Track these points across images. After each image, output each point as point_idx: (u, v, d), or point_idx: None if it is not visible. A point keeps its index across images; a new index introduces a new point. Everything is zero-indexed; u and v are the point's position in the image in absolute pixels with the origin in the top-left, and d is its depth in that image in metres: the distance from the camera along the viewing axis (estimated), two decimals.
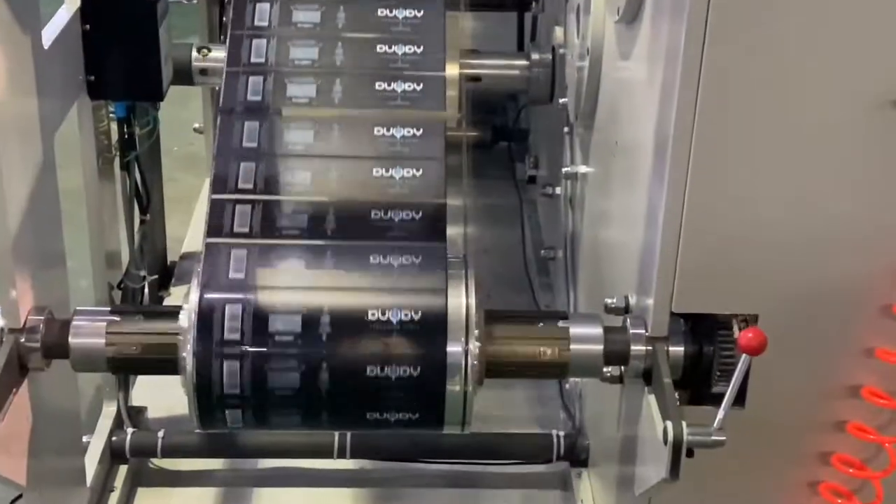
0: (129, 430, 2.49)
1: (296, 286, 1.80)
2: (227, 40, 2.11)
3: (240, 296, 1.77)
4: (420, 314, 1.77)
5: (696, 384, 1.81)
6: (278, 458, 2.52)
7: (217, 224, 1.86)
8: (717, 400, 1.75)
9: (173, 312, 1.80)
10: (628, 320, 1.83)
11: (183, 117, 3.57)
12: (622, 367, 1.86)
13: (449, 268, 1.82)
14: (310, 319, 1.75)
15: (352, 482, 2.52)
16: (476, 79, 2.69)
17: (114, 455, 2.48)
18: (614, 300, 1.91)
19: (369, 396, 1.77)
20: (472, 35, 3.27)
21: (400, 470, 2.53)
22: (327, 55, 2.08)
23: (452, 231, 1.91)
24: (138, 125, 2.57)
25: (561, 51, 2.64)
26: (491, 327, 1.82)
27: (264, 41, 2.09)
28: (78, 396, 2.24)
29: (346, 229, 1.87)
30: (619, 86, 2.09)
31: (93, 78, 2.31)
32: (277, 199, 1.90)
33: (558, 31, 2.67)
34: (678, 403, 1.71)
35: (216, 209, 1.88)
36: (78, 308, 1.89)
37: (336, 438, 2.42)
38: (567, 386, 2.69)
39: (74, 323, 1.85)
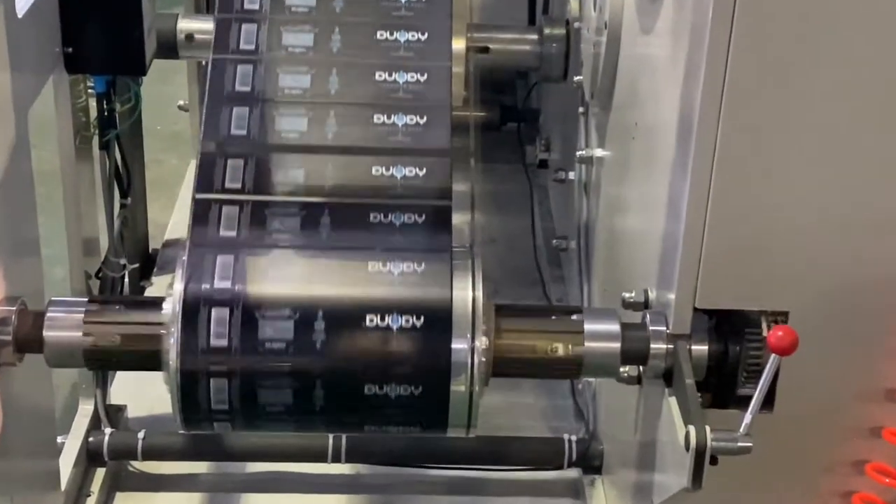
0: (108, 431, 2.49)
1: (287, 272, 1.79)
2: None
3: (227, 286, 1.76)
4: (423, 309, 1.75)
5: (721, 386, 1.80)
6: (268, 462, 2.52)
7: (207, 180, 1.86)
8: (742, 403, 1.75)
9: (156, 303, 1.79)
10: (648, 316, 1.82)
11: (166, 93, 3.56)
12: (640, 367, 1.85)
13: (454, 258, 1.81)
14: (304, 315, 1.74)
15: (347, 488, 2.52)
16: (484, 49, 2.68)
17: (91, 457, 2.47)
18: (632, 294, 1.91)
19: (368, 394, 1.76)
20: (479, 6, 3.25)
21: (398, 475, 2.53)
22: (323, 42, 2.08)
23: (458, 219, 1.90)
24: (119, 101, 2.56)
25: (576, 24, 2.63)
26: (498, 322, 1.81)
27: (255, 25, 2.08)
28: (52, 394, 2.23)
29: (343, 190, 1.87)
30: (640, 63, 2.08)
31: (70, 50, 2.29)
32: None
33: (573, 4, 2.67)
34: (701, 406, 1.70)
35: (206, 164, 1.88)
36: (53, 298, 1.88)
37: (330, 441, 2.41)
38: (580, 386, 2.68)
39: (49, 314, 1.84)
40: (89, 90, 2.49)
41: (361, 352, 1.75)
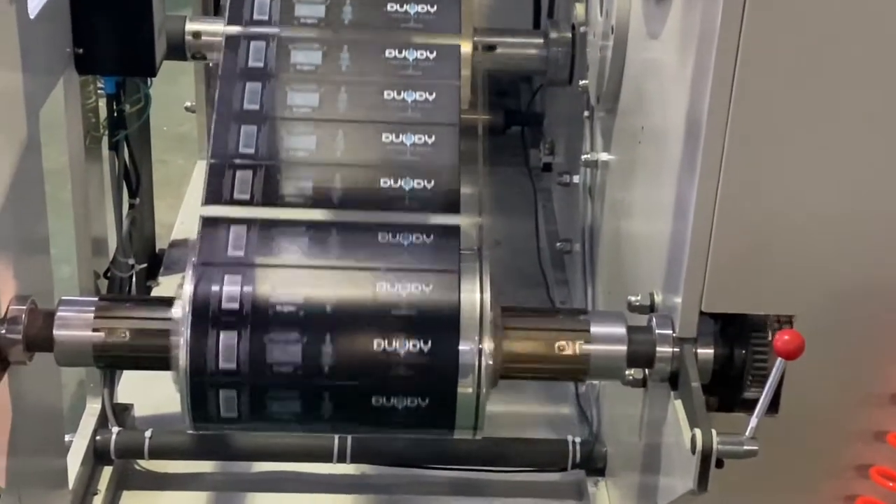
0: (115, 430, 2.48)
1: (298, 267, 1.78)
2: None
3: (237, 287, 1.75)
4: (431, 310, 1.75)
5: (726, 389, 1.79)
6: (274, 462, 2.51)
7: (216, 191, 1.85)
8: (747, 406, 1.74)
9: (166, 303, 1.78)
10: (654, 319, 1.81)
11: (173, 94, 3.55)
12: (646, 370, 1.84)
13: (462, 261, 1.80)
14: (313, 305, 1.74)
15: (352, 488, 2.51)
16: (491, 47, 2.67)
17: (98, 456, 2.46)
18: (638, 298, 1.90)
19: (375, 397, 1.75)
20: (483, 9, 3.24)
21: (403, 476, 2.52)
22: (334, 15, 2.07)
23: (466, 221, 1.89)
24: (128, 102, 2.56)
25: (582, 29, 2.62)
26: (506, 326, 1.79)
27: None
28: (61, 392, 2.23)
29: (353, 199, 1.86)
30: (647, 67, 2.07)
31: (81, 51, 2.28)
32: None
33: (579, 8, 2.66)
34: (707, 410, 1.69)
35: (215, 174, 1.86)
36: (63, 298, 1.87)
37: (336, 441, 2.41)
38: (583, 388, 2.67)
39: (59, 314, 1.83)
40: (99, 91, 2.49)
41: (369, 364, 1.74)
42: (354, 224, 1.83)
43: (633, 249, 2.13)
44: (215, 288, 1.74)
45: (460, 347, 1.74)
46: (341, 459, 2.42)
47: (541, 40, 2.75)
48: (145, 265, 2.92)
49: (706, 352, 1.76)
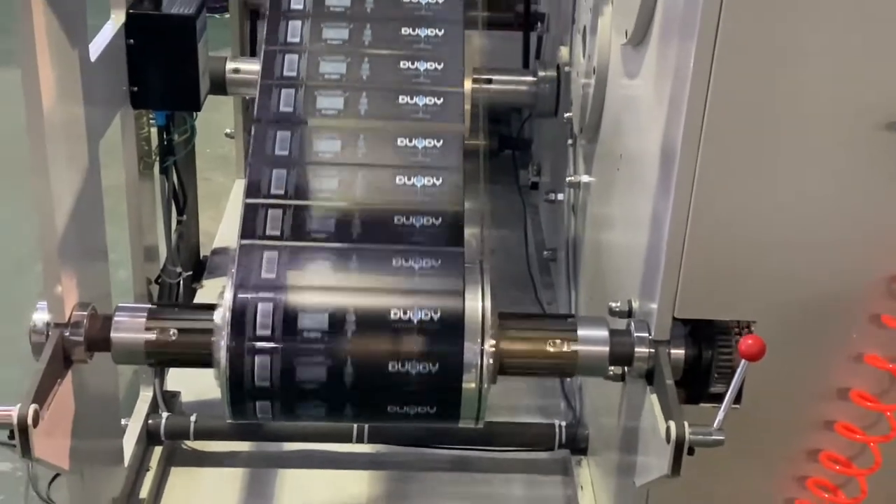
0: (164, 415, 2.44)
1: (323, 287, 1.73)
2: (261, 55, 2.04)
3: (271, 295, 1.70)
4: (439, 316, 1.70)
5: (695, 385, 1.74)
6: (301, 442, 2.47)
7: (250, 227, 1.79)
8: (714, 399, 1.71)
9: (208, 309, 1.73)
10: (632, 324, 1.76)
11: (215, 121, 3.50)
12: (625, 368, 1.79)
13: (466, 273, 1.75)
14: (336, 318, 1.68)
15: (368, 465, 2.47)
16: (488, 80, 2.63)
17: (150, 437, 2.42)
18: (618, 304, 1.85)
19: (391, 391, 1.70)
20: (480, 52, 3.20)
21: (413, 454, 2.47)
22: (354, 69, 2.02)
23: (468, 233, 1.84)
24: (177, 132, 2.51)
25: (566, 69, 2.58)
26: (505, 329, 1.75)
27: (296, 56, 2.02)
28: (118, 385, 2.18)
29: (370, 233, 1.80)
30: (625, 102, 2.02)
31: (135, 89, 2.25)
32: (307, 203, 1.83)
33: (563, 51, 2.62)
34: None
35: (250, 212, 1.81)
36: (119, 304, 1.82)
37: (355, 426, 2.36)
38: (568, 379, 2.62)
39: (116, 319, 1.78)
40: (151, 122, 2.44)
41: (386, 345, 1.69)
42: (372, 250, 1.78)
43: (613, 260, 2.08)
44: (252, 297, 1.69)
45: (465, 348, 1.69)
46: (359, 440, 2.39)
47: (530, 78, 2.70)
48: (191, 272, 2.87)
49: (678, 352, 1.72)
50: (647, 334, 1.73)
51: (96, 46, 2.04)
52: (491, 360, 1.70)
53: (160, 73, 2.24)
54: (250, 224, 1.79)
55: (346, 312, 1.69)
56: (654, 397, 1.69)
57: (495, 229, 3.32)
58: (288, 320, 1.68)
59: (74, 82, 1.84)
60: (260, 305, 1.68)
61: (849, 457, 1.77)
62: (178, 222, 2.68)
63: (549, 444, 2.42)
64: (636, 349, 1.73)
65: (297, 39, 2.04)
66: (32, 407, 1.59)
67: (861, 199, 1.60)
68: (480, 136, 2.20)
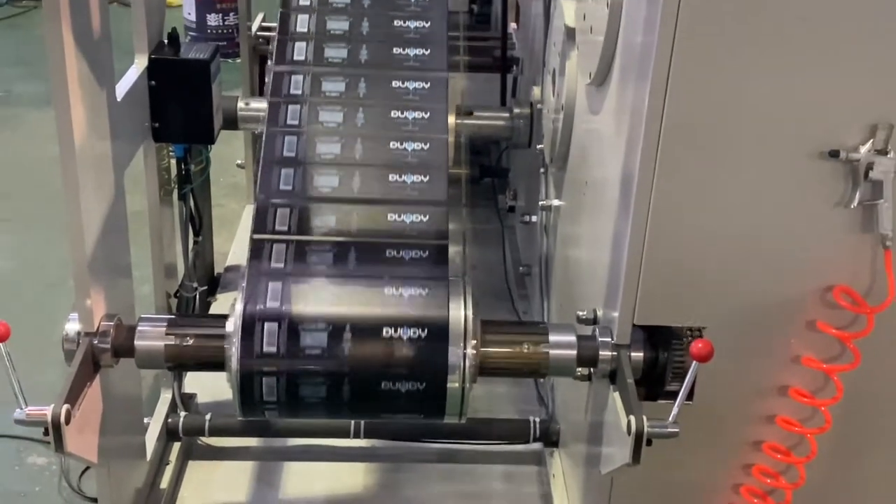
0: (182, 414, 2.42)
1: (322, 304, 1.74)
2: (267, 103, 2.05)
3: (276, 305, 1.71)
4: (426, 324, 1.70)
5: (653, 383, 1.75)
6: (305, 438, 2.45)
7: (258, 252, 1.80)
8: (669, 396, 1.71)
9: (221, 319, 1.73)
10: (597, 330, 1.77)
11: (227, 153, 3.51)
12: (591, 369, 1.80)
13: (450, 286, 1.76)
14: (334, 332, 1.69)
15: (364, 457, 2.46)
16: (469, 112, 2.64)
17: (169, 434, 2.41)
18: (584, 312, 1.86)
19: (384, 392, 1.71)
20: (463, 92, 3.21)
21: (404, 448, 2.46)
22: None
23: (452, 251, 1.85)
24: (193, 163, 2.52)
25: (538, 106, 2.59)
26: (485, 335, 1.75)
27: (298, 106, 2.03)
28: (141, 387, 2.18)
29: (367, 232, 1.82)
30: (589, 135, 2.04)
31: (157, 124, 2.25)
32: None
33: (536, 90, 2.63)
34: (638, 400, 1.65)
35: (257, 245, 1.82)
36: (142, 315, 1.83)
37: (352, 422, 2.36)
38: (542, 380, 2.62)
39: (139, 328, 1.78)
40: (171, 154, 2.45)
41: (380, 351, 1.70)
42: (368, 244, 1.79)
43: (579, 275, 2.09)
44: (260, 308, 1.70)
45: (449, 351, 1.70)
46: (356, 436, 2.38)
47: (507, 114, 2.72)
48: (206, 287, 2.87)
49: (637, 355, 1.73)
50: (610, 339, 1.74)
51: (122, 88, 2.04)
52: (472, 363, 1.71)
53: (179, 110, 2.25)
54: (258, 252, 1.80)
55: (344, 329, 1.69)
56: (616, 395, 1.70)
57: (477, 247, 3.32)
58: (291, 331, 1.69)
59: (102, 119, 1.84)
60: (266, 320, 1.69)
61: (789, 447, 1.78)
62: (195, 243, 2.68)
63: (525, 438, 2.42)
64: (601, 352, 1.74)
65: (298, 91, 2.05)
66: (65, 407, 1.60)
67: (799, 219, 1.62)
68: (463, 166, 2.21)
